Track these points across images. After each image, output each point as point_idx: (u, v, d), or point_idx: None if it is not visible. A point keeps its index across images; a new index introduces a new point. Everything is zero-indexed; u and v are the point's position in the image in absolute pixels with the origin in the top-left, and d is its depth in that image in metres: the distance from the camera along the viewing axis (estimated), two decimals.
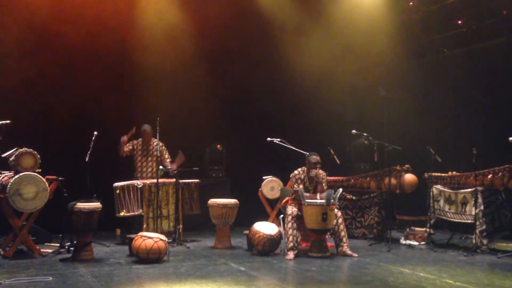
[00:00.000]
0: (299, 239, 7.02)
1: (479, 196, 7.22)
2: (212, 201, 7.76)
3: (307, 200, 6.87)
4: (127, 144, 8.24)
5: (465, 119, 9.79)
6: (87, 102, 8.91)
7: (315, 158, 7.25)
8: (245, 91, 10.27)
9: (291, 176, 7.48)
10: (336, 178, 8.94)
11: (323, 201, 6.85)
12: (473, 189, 7.28)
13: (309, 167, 7.28)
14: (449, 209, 7.75)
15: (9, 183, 6.40)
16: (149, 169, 8.25)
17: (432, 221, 8.00)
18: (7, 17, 8.31)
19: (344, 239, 7.03)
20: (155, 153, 8.20)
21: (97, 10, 8.80)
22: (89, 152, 7.12)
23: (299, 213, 7.04)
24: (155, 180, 7.62)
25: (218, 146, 10.13)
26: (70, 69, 8.92)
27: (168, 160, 8.23)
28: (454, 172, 7.91)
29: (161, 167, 7.84)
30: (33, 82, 8.62)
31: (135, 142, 8.34)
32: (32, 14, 8.42)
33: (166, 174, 8.10)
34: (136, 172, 8.28)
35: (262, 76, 10.29)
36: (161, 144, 8.17)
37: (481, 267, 6.37)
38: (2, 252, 6.63)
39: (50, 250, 6.93)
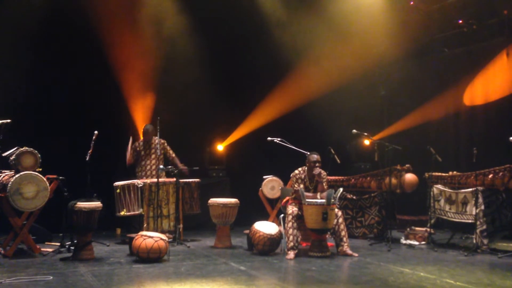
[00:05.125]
0: (299, 239, 7.02)
1: (479, 196, 7.21)
2: (213, 200, 7.75)
3: (307, 200, 6.86)
4: (130, 151, 8.24)
5: (465, 119, 9.78)
6: (88, 102, 8.90)
7: (315, 157, 7.24)
8: (246, 89, 10.27)
9: (291, 175, 7.47)
10: (336, 177, 8.94)
11: (323, 200, 6.84)
12: (473, 189, 7.27)
13: (309, 166, 7.27)
14: (450, 209, 7.74)
15: (10, 182, 6.41)
16: (153, 167, 8.23)
17: (432, 221, 8.00)
18: (6, 15, 8.31)
19: (344, 239, 7.03)
20: (157, 151, 8.21)
21: (97, 9, 8.79)
22: (89, 152, 7.11)
23: (300, 212, 7.04)
24: (155, 180, 7.63)
25: (219, 145, 10.13)
26: (70, 68, 8.90)
27: (174, 155, 8.29)
28: (454, 172, 7.91)
29: (161, 166, 7.86)
30: (33, 81, 8.62)
31: (137, 144, 8.34)
32: (30, 11, 8.42)
33: (168, 174, 8.11)
34: (139, 171, 8.27)
35: (261, 75, 10.29)
36: (162, 141, 8.22)
37: (482, 267, 6.36)
38: (2, 251, 6.63)
39: (50, 249, 6.93)
